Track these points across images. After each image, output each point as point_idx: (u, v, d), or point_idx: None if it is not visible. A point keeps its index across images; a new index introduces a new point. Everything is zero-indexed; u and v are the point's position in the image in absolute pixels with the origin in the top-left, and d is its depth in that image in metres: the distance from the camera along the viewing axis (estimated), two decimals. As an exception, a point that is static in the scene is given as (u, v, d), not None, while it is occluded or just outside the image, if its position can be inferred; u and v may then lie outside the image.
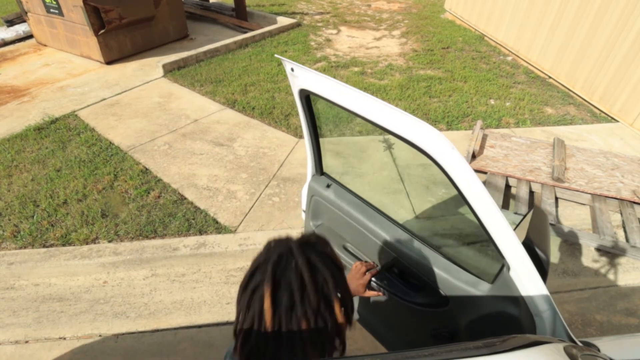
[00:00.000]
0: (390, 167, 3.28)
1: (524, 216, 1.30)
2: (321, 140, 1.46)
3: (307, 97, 1.24)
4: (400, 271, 1.31)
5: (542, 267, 0.96)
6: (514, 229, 1.24)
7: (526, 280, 0.92)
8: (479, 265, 2.47)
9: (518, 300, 0.97)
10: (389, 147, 3.51)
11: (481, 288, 1.10)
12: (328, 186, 1.50)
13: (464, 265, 1.18)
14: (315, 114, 1.35)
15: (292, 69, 1.12)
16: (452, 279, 1.16)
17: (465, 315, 1.16)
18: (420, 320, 1.31)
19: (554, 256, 2.56)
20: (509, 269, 0.94)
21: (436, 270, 1.19)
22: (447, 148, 0.81)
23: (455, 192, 0.89)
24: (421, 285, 1.27)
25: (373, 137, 3.68)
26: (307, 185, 1.59)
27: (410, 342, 1.45)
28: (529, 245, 1.00)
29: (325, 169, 1.56)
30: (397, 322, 1.44)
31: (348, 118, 3.87)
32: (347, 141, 3.61)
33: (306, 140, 1.44)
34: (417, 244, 1.26)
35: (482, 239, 2.60)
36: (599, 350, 0.95)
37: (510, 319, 1.01)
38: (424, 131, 0.83)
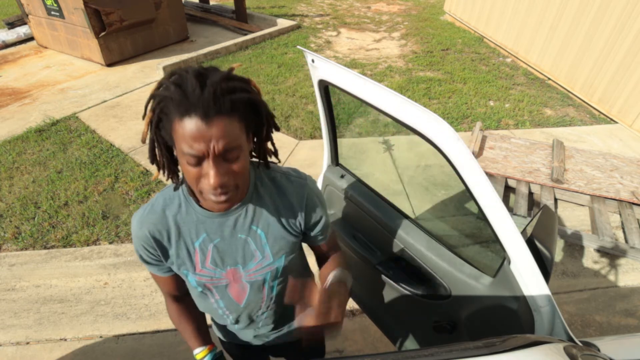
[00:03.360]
0: (402, 164, 3.29)
1: (534, 215, 1.31)
2: (338, 132, 1.49)
3: (326, 88, 1.29)
4: (407, 262, 1.33)
5: (545, 265, 0.97)
6: (525, 227, 1.25)
7: (526, 274, 0.93)
8: (482, 259, 2.49)
9: (517, 294, 0.98)
10: (389, 148, 3.51)
11: (483, 281, 1.12)
12: (342, 176, 1.53)
13: (468, 258, 1.20)
14: (333, 105, 1.38)
15: (313, 60, 1.17)
16: (455, 272, 1.18)
17: (466, 308, 1.17)
18: (422, 311, 1.33)
19: (554, 257, 2.57)
20: (509, 262, 0.95)
21: (440, 262, 1.21)
22: (454, 140, 0.86)
23: (458, 192, 0.92)
24: (425, 277, 1.29)
25: (390, 136, 3.69)
26: (322, 175, 1.62)
27: (412, 332, 1.47)
28: (533, 243, 1.01)
29: (340, 160, 1.60)
30: (400, 312, 1.46)
31: (365, 111, 3.92)
32: (366, 137, 3.62)
33: (323, 131, 1.48)
34: (423, 236, 1.28)
35: (487, 235, 2.61)
36: (599, 350, 0.95)
37: (510, 313, 1.02)
38: (434, 124, 0.88)
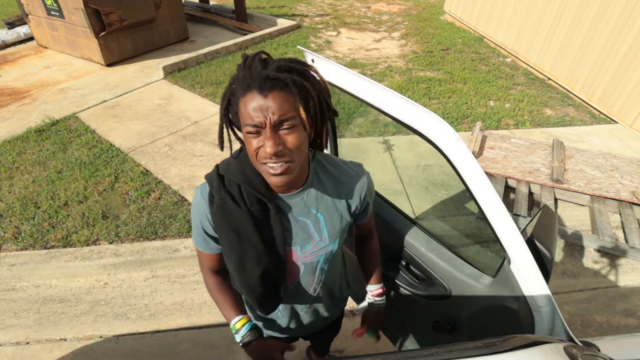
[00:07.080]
0: (402, 164, 3.29)
1: (534, 215, 1.31)
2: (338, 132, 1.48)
3: None
4: (407, 262, 1.33)
5: (545, 265, 0.97)
6: (524, 227, 1.25)
7: (526, 274, 0.93)
8: (482, 259, 2.48)
9: (517, 294, 0.98)
10: (389, 148, 3.51)
11: (483, 281, 1.12)
12: None
13: (468, 258, 1.20)
14: (333, 105, 1.38)
15: (313, 60, 1.18)
16: (455, 272, 1.18)
17: (466, 308, 1.17)
18: (422, 311, 1.33)
19: (554, 257, 2.57)
20: (509, 262, 0.95)
21: (440, 262, 1.21)
22: (454, 140, 0.86)
23: (458, 192, 0.92)
24: (426, 277, 1.29)
25: (390, 135, 3.69)
26: None
27: (412, 332, 1.47)
28: (533, 243, 1.01)
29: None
30: (400, 312, 1.47)
31: (365, 111, 3.93)
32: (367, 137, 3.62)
33: None
34: (423, 236, 1.28)
35: (487, 235, 2.61)
36: (599, 350, 0.95)
37: (510, 312, 1.02)
38: (434, 124, 0.88)
